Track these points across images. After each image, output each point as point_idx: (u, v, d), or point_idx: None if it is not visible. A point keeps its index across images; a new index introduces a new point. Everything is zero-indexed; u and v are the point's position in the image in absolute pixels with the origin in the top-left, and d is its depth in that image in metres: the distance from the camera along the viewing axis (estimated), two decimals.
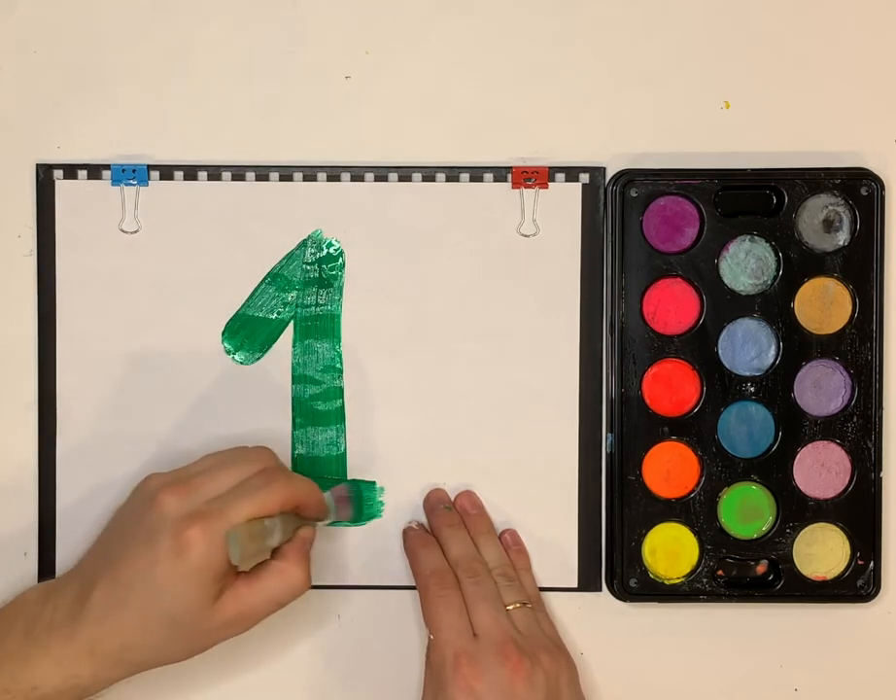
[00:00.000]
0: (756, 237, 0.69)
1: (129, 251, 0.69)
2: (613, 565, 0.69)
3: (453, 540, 0.67)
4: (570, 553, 0.70)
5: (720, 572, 0.70)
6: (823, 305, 0.69)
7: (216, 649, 0.70)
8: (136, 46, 0.70)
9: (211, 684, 0.70)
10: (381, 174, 0.69)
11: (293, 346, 0.70)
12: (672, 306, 0.69)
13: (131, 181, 0.69)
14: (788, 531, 0.69)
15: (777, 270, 0.69)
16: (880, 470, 0.69)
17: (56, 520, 0.69)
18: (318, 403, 0.70)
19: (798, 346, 0.69)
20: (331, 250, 0.70)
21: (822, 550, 0.69)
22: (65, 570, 0.66)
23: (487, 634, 0.63)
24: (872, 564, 0.69)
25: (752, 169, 0.69)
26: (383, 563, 0.70)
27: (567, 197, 0.69)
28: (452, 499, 0.69)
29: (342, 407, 0.70)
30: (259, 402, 0.70)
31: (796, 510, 0.69)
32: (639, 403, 0.69)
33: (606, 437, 0.70)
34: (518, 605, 0.65)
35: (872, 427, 0.69)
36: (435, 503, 0.69)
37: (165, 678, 0.70)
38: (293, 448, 0.70)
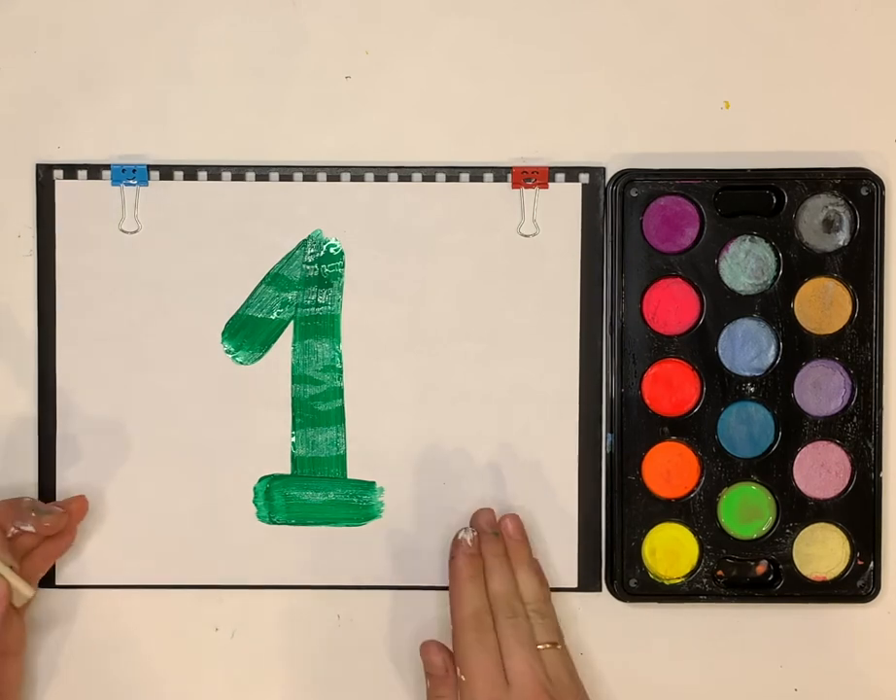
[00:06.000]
0: (756, 237, 0.69)
1: (129, 251, 0.69)
2: (613, 565, 0.69)
3: (496, 572, 0.66)
4: (570, 553, 0.70)
5: (720, 572, 0.70)
6: (823, 305, 0.69)
7: (214, 649, 0.70)
8: (136, 46, 0.70)
9: (210, 684, 0.70)
10: (381, 174, 0.69)
11: (293, 346, 0.70)
12: (672, 306, 0.69)
13: (131, 181, 0.69)
14: (788, 531, 0.69)
15: (777, 270, 0.69)
16: (880, 470, 0.69)
17: None
18: (318, 403, 0.70)
19: (798, 346, 0.69)
20: (331, 250, 0.70)
21: (822, 550, 0.69)
22: (64, 569, 0.66)
23: (520, 684, 0.62)
24: (872, 564, 0.69)
25: (752, 169, 0.69)
26: (383, 563, 0.70)
27: (567, 197, 0.69)
28: (498, 517, 0.69)
29: (342, 407, 0.70)
30: (259, 402, 0.70)
31: (796, 510, 0.69)
32: (639, 403, 0.69)
33: (606, 437, 0.70)
34: (549, 645, 0.64)
35: (872, 427, 0.69)
36: (485, 526, 0.68)
37: (164, 677, 0.70)
38: (294, 448, 0.70)
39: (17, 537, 0.65)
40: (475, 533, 0.67)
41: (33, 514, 0.65)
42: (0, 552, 0.63)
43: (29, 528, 0.65)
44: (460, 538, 0.67)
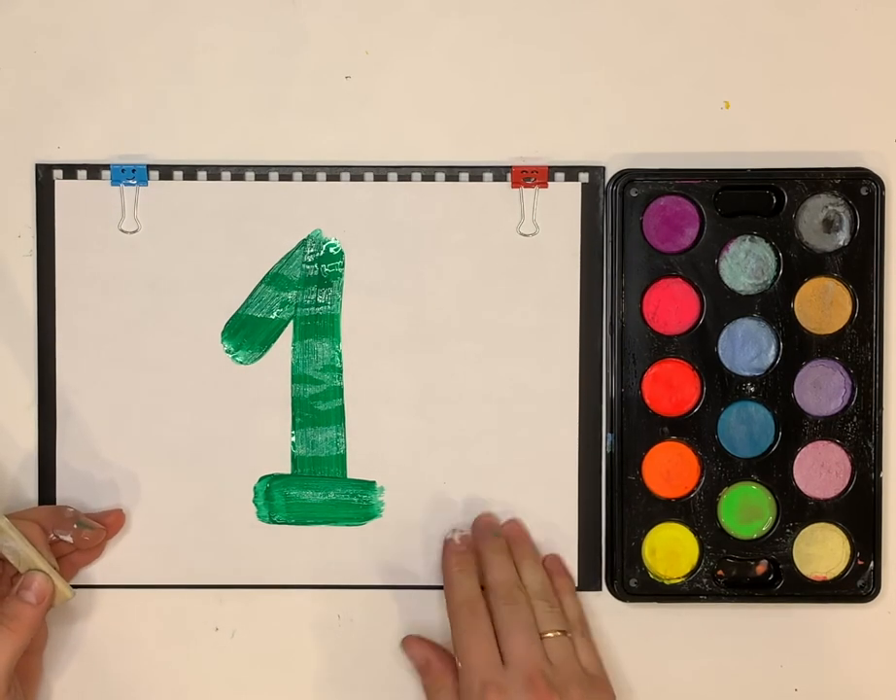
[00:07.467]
0: (756, 237, 0.69)
1: (129, 251, 0.69)
2: (613, 565, 0.69)
3: (496, 564, 0.66)
4: (570, 553, 0.70)
5: (720, 572, 0.69)
6: (823, 305, 0.69)
7: (215, 649, 0.70)
8: (136, 46, 0.70)
9: (210, 684, 0.70)
10: (381, 174, 0.69)
11: (293, 346, 0.70)
12: (672, 306, 0.69)
13: (131, 181, 0.69)
14: (788, 531, 0.69)
15: (777, 270, 0.69)
16: (880, 470, 0.69)
17: None
18: (318, 403, 0.70)
19: (798, 346, 0.69)
20: (331, 249, 0.70)
21: (822, 550, 0.69)
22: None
23: (516, 664, 0.62)
24: (872, 564, 0.69)
25: (752, 169, 0.69)
26: (383, 563, 0.70)
27: (566, 197, 0.69)
28: (501, 523, 0.69)
29: (342, 407, 0.70)
30: (259, 402, 0.70)
31: (796, 510, 0.69)
32: (639, 403, 0.69)
33: (606, 437, 0.70)
34: (556, 633, 0.64)
35: (872, 427, 0.69)
36: (485, 528, 0.68)
37: (164, 677, 0.70)
38: (294, 448, 0.70)
39: (54, 544, 0.66)
40: (463, 532, 0.68)
41: (75, 526, 0.66)
42: (47, 554, 0.64)
43: (68, 538, 0.66)
44: (448, 538, 0.68)
